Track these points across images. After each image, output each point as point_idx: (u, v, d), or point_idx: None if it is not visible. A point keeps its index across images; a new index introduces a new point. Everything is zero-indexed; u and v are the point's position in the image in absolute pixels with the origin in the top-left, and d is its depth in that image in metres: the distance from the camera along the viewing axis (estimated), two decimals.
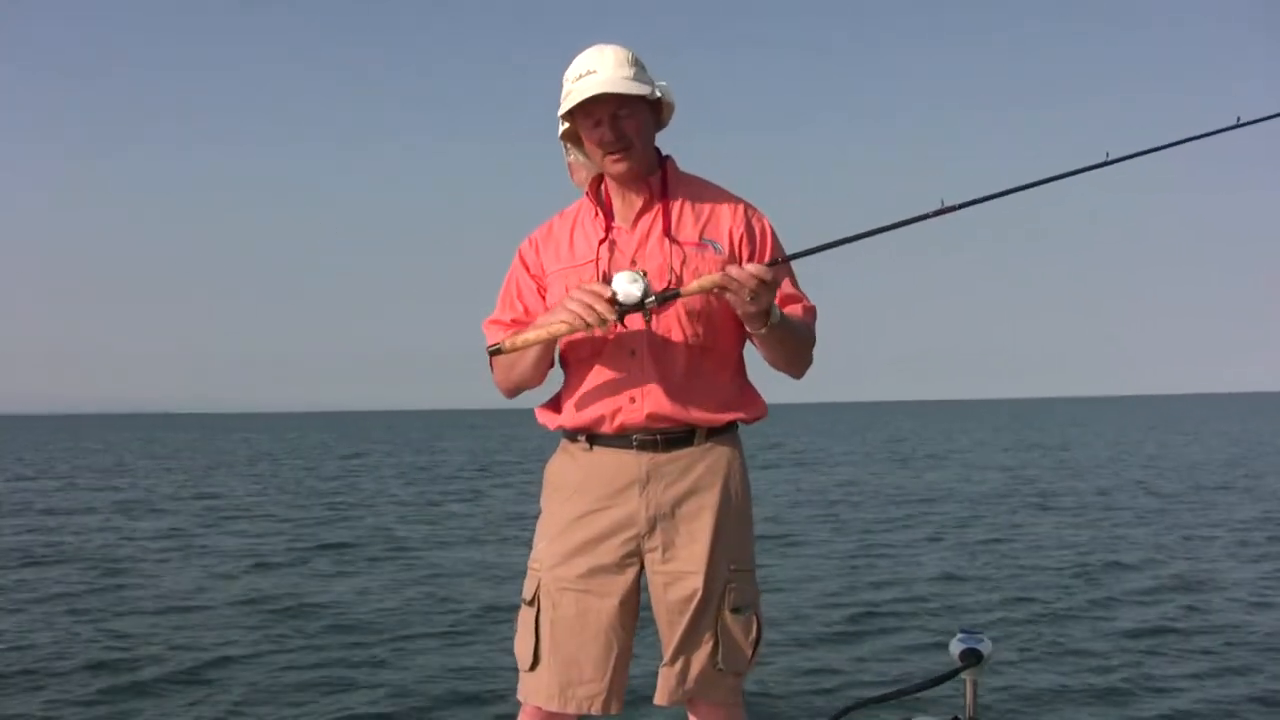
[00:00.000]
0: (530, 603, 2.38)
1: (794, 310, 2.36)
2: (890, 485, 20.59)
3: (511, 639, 2.45)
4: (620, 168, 2.33)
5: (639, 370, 2.32)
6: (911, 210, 2.25)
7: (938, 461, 28.60)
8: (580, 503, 2.36)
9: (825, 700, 5.47)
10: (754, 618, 2.36)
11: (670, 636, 2.33)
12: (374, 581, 9.75)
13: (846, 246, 2.24)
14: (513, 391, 2.46)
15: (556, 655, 2.32)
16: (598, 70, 2.28)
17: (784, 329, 2.27)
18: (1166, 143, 2.46)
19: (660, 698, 2.34)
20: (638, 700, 2.42)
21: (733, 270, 2.15)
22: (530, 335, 2.29)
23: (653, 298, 2.21)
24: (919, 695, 3.12)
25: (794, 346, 2.35)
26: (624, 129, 2.30)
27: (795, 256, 2.31)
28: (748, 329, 2.28)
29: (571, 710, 2.33)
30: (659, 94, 2.33)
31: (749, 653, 2.35)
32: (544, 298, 2.42)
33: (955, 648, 2.86)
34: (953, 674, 2.91)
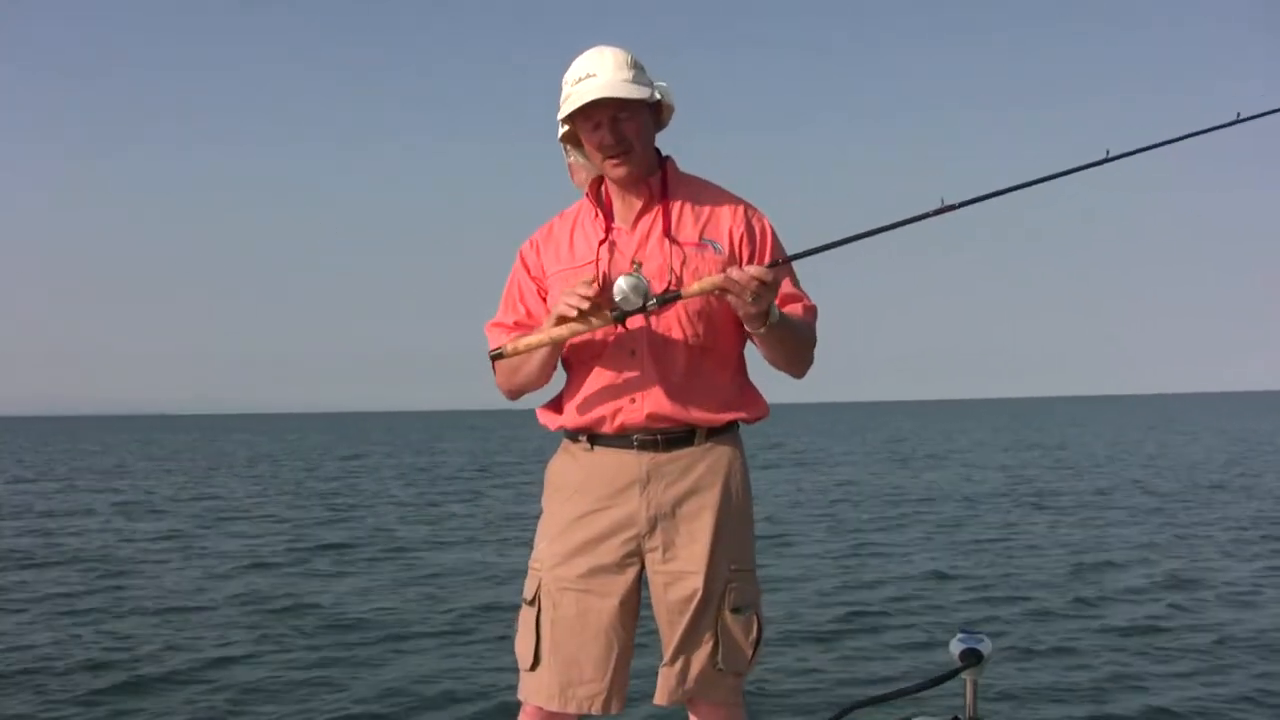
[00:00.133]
0: (531, 602, 2.38)
1: (794, 310, 2.37)
2: (890, 485, 20.59)
3: (512, 639, 2.46)
4: (620, 171, 2.34)
5: (639, 370, 2.32)
6: (912, 210, 2.25)
7: (937, 461, 28.59)
8: (581, 503, 2.37)
9: (825, 700, 5.46)
10: (754, 618, 2.37)
11: (670, 636, 2.34)
12: (374, 582, 9.74)
13: (847, 246, 2.24)
14: (516, 394, 2.46)
15: (557, 655, 2.33)
16: (597, 74, 2.28)
17: (783, 328, 2.28)
18: (1166, 139, 2.46)
19: (660, 697, 2.34)
20: (638, 700, 2.42)
21: (733, 272, 2.16)
22: (532, 340, 2.30)
23: (653, 300, 2.21)
24: (919, 695, 3.12)
25: (794, 346, 2.36)
26: (623, 132, 2.30)
27: (797, 257, 2.32)
28: (747, 329, 2.28)
29: (572, 710, 2.33)
30: (658, 96, 2.33)
31: (749, 653, 2.36)
32: (545, 299, 2.43)
33: (955, 648, 2.86)
34: (953, 674, 2.91)
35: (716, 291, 2.20)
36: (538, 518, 2.48)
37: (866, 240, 2.24)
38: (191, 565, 11.01)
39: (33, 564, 11.12)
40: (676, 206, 2.39)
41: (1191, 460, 25.93)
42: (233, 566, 10.84)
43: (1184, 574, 9.39)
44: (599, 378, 2.35)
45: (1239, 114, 2.48)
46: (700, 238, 2.36)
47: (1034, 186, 2.36)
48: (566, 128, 2.41)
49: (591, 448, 2.38)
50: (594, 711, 2.32)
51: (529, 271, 2.47)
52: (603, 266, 2.34)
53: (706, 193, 2.43)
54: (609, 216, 2.41)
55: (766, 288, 2.16)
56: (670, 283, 2.30)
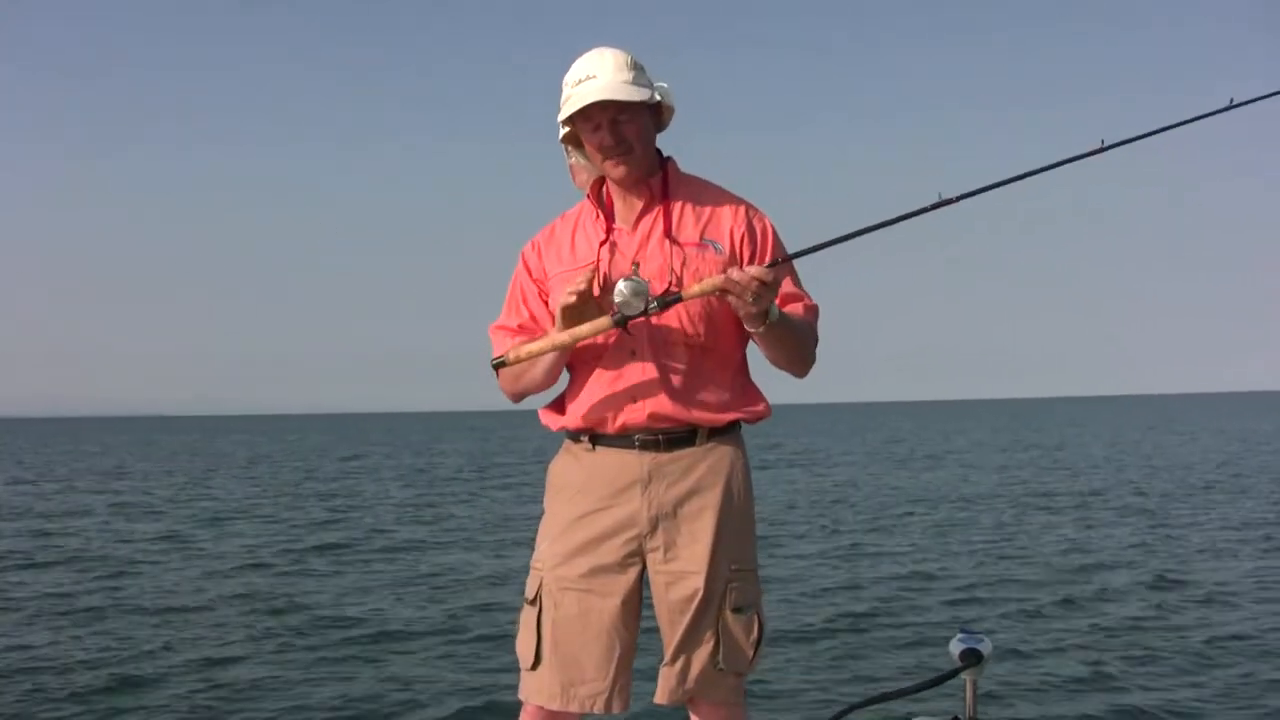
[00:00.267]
0: (532, 602, 2.38)
1: (795, 309, 2.37)
2: (889, 486, 20.60)
3: (513, 639, 2.46)
4: (620, 172, 2.34)
5: (640, 371, 2.33)
6: (911, 209, 2.25)
7: (936, 462, 28.61)
8: (583, 502, 2.37)
9: (825, 700, 5.47)
10: (755, 618, 2.36)
11: (671, 636, 2.33)
12: (372, 583, 9.75)
13: (843, 245, 2.25)
14: (520, 397, 2.47)
15: (558, 655, 2.33)
16: (597, 75, 2.29)
17: (783, 328, 2.28)
18: (1160, 127, 2.46)
19: (661, 697, 2.34)
20: (638, 700, 2.42)
21: (733, 273, 2.16)
22: (534, 347, 2.31)
23: (654, 303, 2.22)
24: (919, 695, 3.12)
25: (795, 345, 2.36)
26: (624, 133, 2.31)
27: (796, 255, 2.32)
28: (747, 328, 2.29)
29: (573, 709, 2.33)
30: (658, 98, 2.34)
31: (750, 653, 2.35)
32: (547, 301, 2.43)
33: (955, 648, 2.86)
34: (953, 674, 2.91)
35: (717, 292, 2.21)
36: (537, 519, 2.48)
37: (864, 238, 2.24)
38: (190, 566, 11.01)
39: (32, 564, 11.12)
40: (677, 207, 2.39)
41: (1189, 461, 25.94)
42: (231, 567, 10.85)
43: (1183, 575, 9.40)
44: (600, 378, 2.36)
45: (1232, 99, 2.48)
46: (701, 238, 2.36)
47: (1032, 181, 2.36)
48: (567, 129, 2.42)
49: (593, 448, 2.38)
50: (595, 711, 2.32)
51: (530, 274, 2.47)
52: (603, 267, 2.34)
53: (707, 193, 2.44)
54: (610, 217, 2.41)
55: (766, 288, 2.16)
56: (671, 283, 2.30)
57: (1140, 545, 11.35)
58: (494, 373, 2.42)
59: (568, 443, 2.46)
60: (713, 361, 2.36)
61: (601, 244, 2.38)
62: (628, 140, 2.31)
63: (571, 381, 2.44)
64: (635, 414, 2.32)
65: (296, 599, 8.88)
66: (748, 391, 2.43)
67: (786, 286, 2.37)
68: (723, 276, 2.18)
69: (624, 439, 2.34)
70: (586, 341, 2.32)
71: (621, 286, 2.21)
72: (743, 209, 2.42)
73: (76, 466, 33.99)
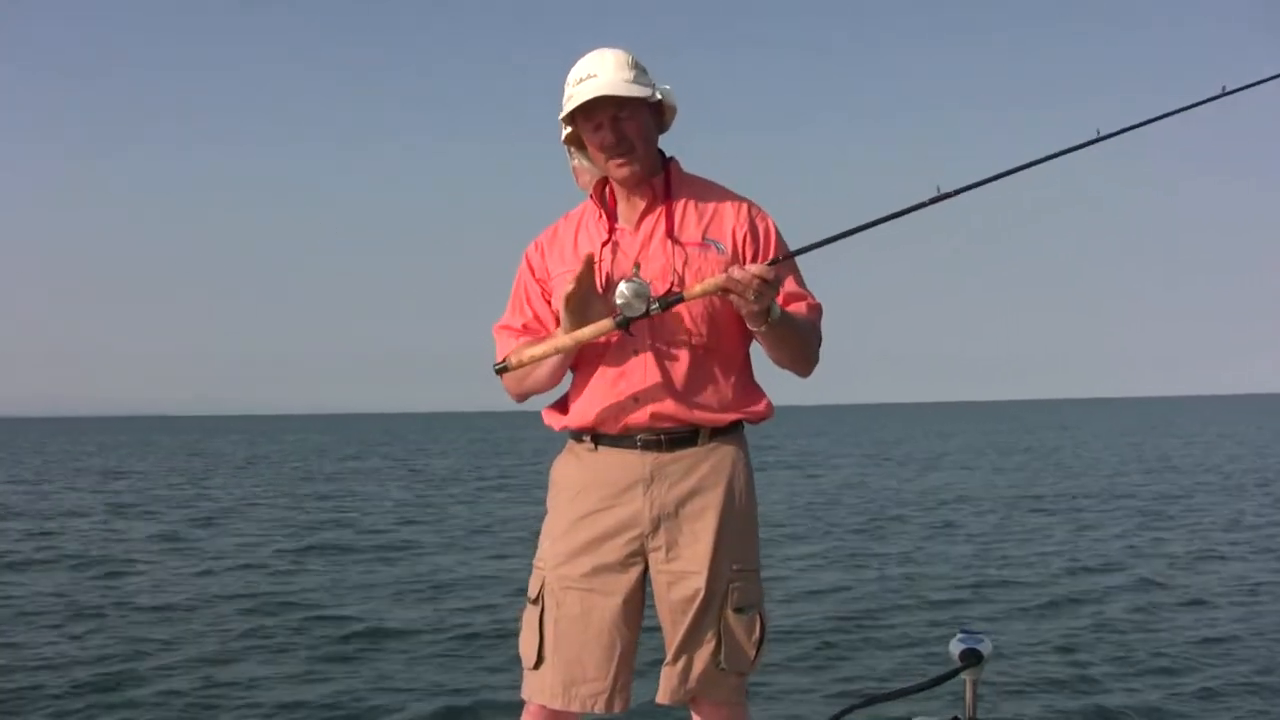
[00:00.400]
0: (535, 601, 2.38)
1: (798, 308, 2.37)
2: (888, 487, 20.61)
3: (512, 639, 2.46)
4: (623, 171, 2.34)
5: (642, 371, 2.33)
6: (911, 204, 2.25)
7: (935, 463, 28.63)
8: (585, 502, 2.37)
9: (825, 700, 5.47)
10: (757, 617, 2.36)
11: (673, 636, 2.33)
12: (372, 583, 9.74)
13: (842, 243, 2.24)
14: (524, 397, 2.47)
15: (560, 654, 2.33)
16: (598, 74, 2.29)
17: (785, 326, 2.28)
18: (1153, 116, 2.45)
19: (662, 696, 2.34)
20: (639, 699, 2.42)
21: (735, 272, 2.16)
22: (536, 350, 2.31)
23: (656, 304, 2.22)
24: (919, 695, 3.12)
25: (798, 344, 2.36)
26: (625, 131, 2.31)
27: (797, 253, 2.32)
28: (749, 326, 2.28)
29: (575, 709, 2.33)
30: (659, 96, 2.34)
31: (752, 653, 2.35)
32: (550, 301, 2.43)
33: (955, 648, 2.86)
34: (953, 674, 2.91)
35: (719, 291, 2.21)
36: (536, 519, 2.49)
37: (863, 238, 2.24)
38: (187, 565, 11.00)
39: (30, 564, 11.11)
40: (679, 207, 2.39)
41: (1190, 463, 25.96)
42: (228, 566, 10.84)
43: (1182, 576, 9.42)
44: (603, 378, 2.36)
45: (1224, 87, 2.47)
46: (703, 238, 2.37)
47: (1029, 180, 2.36)
48: (569, 129, 2.42)
49: (596, 448, 2.38)
50: (597, 710, 2.32)
51: (534, 273, 2.48)
52: (605, 267, 2.34)
53: (710, 193, 2.44)
54: (612, 217, 2.41)
55: (768, 285, 2.16)
56: (673, 283, 2.30)
57: (1140, 547, 11.36)
58: (497, 375, 2.43)
59: (570, 443, 2.46)
60: (715, 361, 2.36)
61: (604, 244, 2.38)
62: (629, 139, 2.32)
63: (574, 381, 2.44)
64: (637, 414, 2.32)
65: (294, 599, 8.88)
66: (750, 391, 2.43)
67: (789, 286, 2.37)
68: (724, 275, 2.17)
69: (626, 439, 2.35)
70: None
71: (623, 288, 2.21)
72: (745, 209, 2.42)
73: (75, 466, 33.98)
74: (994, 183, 2.33)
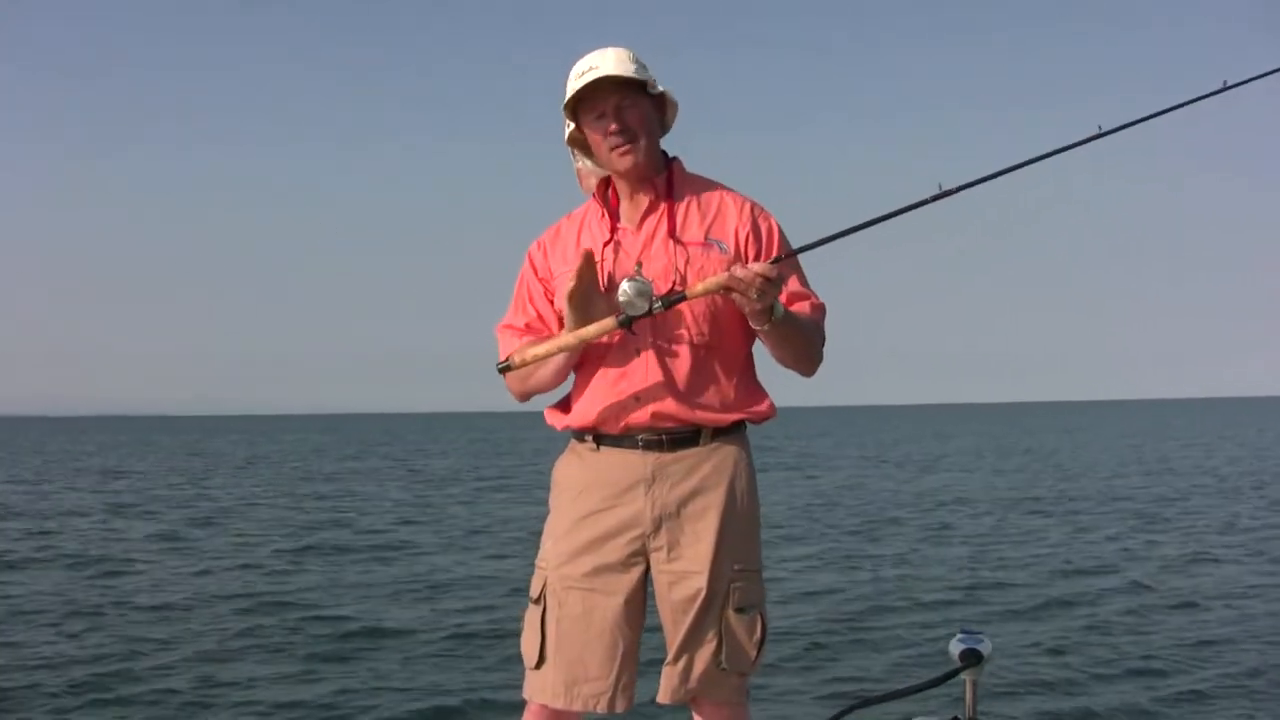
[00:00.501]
0: (537, 601, 2.38)
1: (802, 308, 2.37)
2: (888, 488, 20.63)
3: (512, 639, 2.46)
4: (626, 160, 2.34)
5: (644, 370, 2.32)
6: (914, 211, 2.24)
7: (934, 464, 28.64)
8: (587, 502, 2.37)
9: (825, 700, 5.47)
10: (759, 618, 2.36)
11: (674, 635, 2.33)
12: (371, 583, 9.74)
13: (844, 241, 2.24)
14: (527, 397, 2.47)
15: (562, 653, 2.33)
16: (599, 66, 2.31)
17: (788, 325, 2.28)
18: (1156, 111, 2.45)
19: (663, 696, 2.34)
20: (640, 699, 2.42)
21: (737, 270, 2.16)
22: (539, 350, 2.31)
23: (658, 303, 2.21)
24: (919, 695, 3.12)
25: (801, 343, 2.36)
26: (627, 120, 2.32)
27: (797, 251, 2.31)
28: (752, 325, 2.28)
29: (577, 708, 2.33)
30: (661, 88, 2.34)
31: (753, 653, 2.35)
32: (552, 301, 2.43)
33: (955, 648, 2.85)
34: (953, 674, 2.90)
35: (721, 290, 2.20)
36: (536, 520, 2.49)
37: (865, 236, 2.23)
38: (186, 565, 11.00)
39: (29, 563, 11.11)
40: (682, 206, 2.39)
41: (1189, 465, 25.97)
42: (227, 566, 10.84)
43: (1181, 578, 9.43)
44: (605, 378, 2.35)
45: (1225, 82, 2.45)
46: (706, 237, 2.36)
47: (1029, 180, 2.35)
48: (572, 127, 2.42)
49: (597, 447, 2.38)
50: (599, 710, 2.32)
51: (536, 272, 2.48)
52: (608, 267, 2.34)
53: (713, 192, 2.44)
54: (615, 217, 2.41)
55: (770, 284, 2.16)
56: (675, 282, 2.30)
57: (1136, 549, 11.38)
58: (500, 374, 2.43)
59: (573, 442, 2.46)
60: (717, 361, 2.36)
61: (606, 244, 2.38)
62: (632, 128, 2.32)
63: (576, 381, 2.44)
64: (639, 414, 2.32)
65: (292, 599, 8.88)
66: (752, 392, 2.43)
67: (793, 285, 2.37)
68: (727, 274, 2.17)
69: (628, 439, 2.34)
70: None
71: (625, 287, 2.21)
72: (748, 208, 2.42)
73: (75, 465, 33.96)
74: (997, 180, 2.31)
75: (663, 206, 2.39)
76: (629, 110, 2.32)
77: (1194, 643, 6.86)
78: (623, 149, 2.33)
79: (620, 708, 2.33)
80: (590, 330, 2.25)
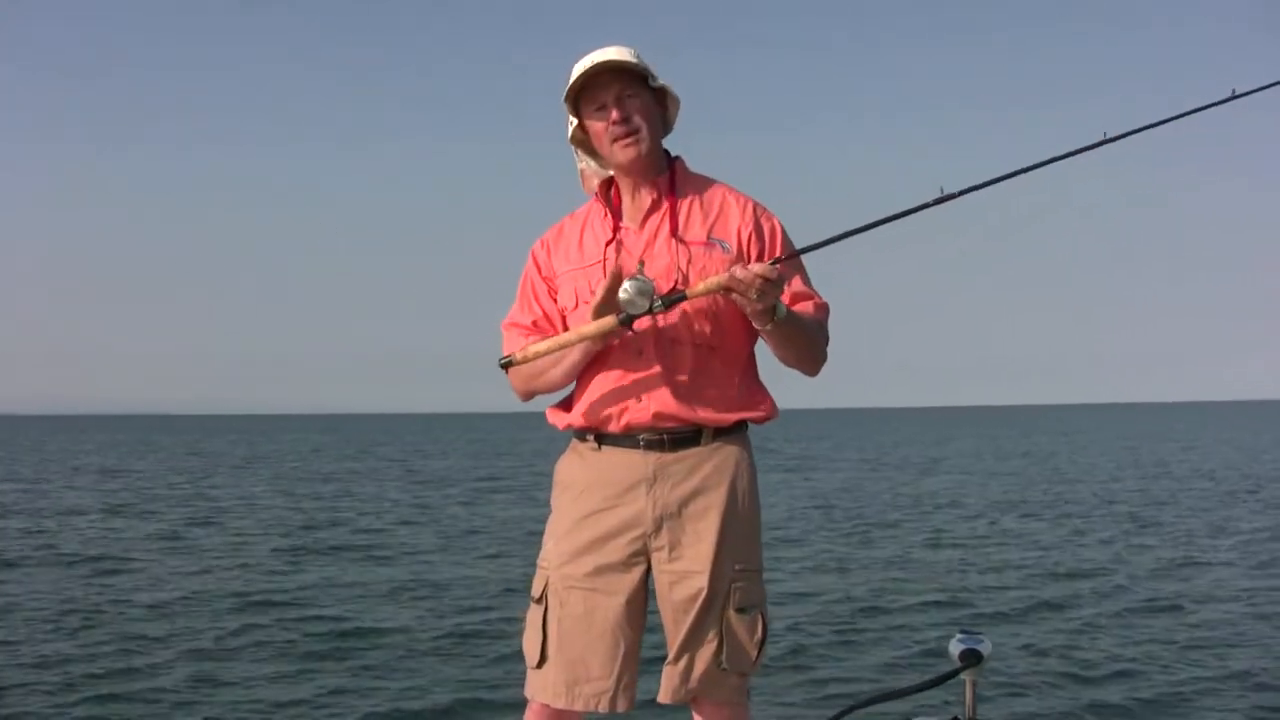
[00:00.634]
0: (538, 601, 2.38)
1: (805, 307, 2.36)
2: (887, 489, 20.63)
3: (511, 638, 2.46)
4: (629, 152, 2.33)
5: (646, 370, 2.32)
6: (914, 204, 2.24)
7: (934, 466, 28.65)
8: (588, 501, 2.37)
9: (825, 700, 5.48)
10: (759, 618, 2.36)
11: (675, 635, 2.33)
12: (371, 583, 9.74)
13: (845, 243, 2.24)
14: (531, 396, 2.47)
15: (563, 653, 2.33)
16: (601, 58, 2.31)
17: (791, 325, 2.27)
18: (1162, 119, 2.43)
19: (663, 696, 2.34)
20: (640, 699, 2.43)
21: (738, 271, 2.15)
22: (541, 346, 2.31)
23: (659, 302, 2.21)
24: (919, 695, 3.12)
25: (804, 343, 2.35)
26: (629, 110, 2.32)
27: (799, 253, 2.31)
28: (755, 325, 2.28)
29: (578, 708, 2.33)
30: (662, 82, 2.35)
31: (754, 653, 2.35)
32: (555, 299, 2.44)
33: (955, 648, 2.85)
34: (953, 674, 2.90)
35: (722, 290, 2.20)
36: (534, 520, 2.49)
37: (866, 239, 2.23)
38: (185, 565, 10.99)
39: (29, 563, 11.11)
40: (684, 206, 2.39)
41: (1189, 469, 25.99)
42: (226, 566, 10.83)
43: (1180, 579, 9.45)
44: (606, 377, 2.35)
45: (1234, 90, 2.44)
46: (708, 237, 2.36)
47: (1027, 181, 2.32)
48: (575, 124, 2.42)
49: (599, 447, 2.38)
50: (600, 710, 2.32)
51: (540, 271, 2.47)
52: (610, 266, 2.33)
53: (715, 192, 2.43)
54: (617, 216, 2.41)
55: (771, 284, 2.15)
56: (677, 281, 2.30)
57: (1132, 551, 11.40)
58: (503, 372, 2.43)
59: (574, 441, 2.46)
60: (719, 361, 2.36)
61: (608, 243, 2.38)
62: (634, 119, 2.32)
63: (579, 380, 2.43)
64: (640, 413, 2.32)
65: (290, 598, 8.88)
66: (754, 392, 2.42)
67: (796, 285, 2.37)
68: (727, 274, 2.17)
69: (629, 438, 2.34)
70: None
71: (627, 285, 2.20)
72: (751, 208, 2.41)
73: (74, 464, 33.94)
74: (998, 184, 2.31)
75: (665, 205, 2.38)
76: (631, 100, 2.32)
77: (1191, 644, 6.88)
78: (625, 140, 2.32)
79: (621, 707, 2.33)
80: (591, 328, 2.25)
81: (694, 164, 2.49)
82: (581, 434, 2.42)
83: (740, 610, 2.32)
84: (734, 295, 2.19)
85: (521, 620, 2.45)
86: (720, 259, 2.33)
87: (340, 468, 31.38)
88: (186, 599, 8.89)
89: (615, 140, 2.33)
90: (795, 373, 2.42)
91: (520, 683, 2.44)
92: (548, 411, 2.49)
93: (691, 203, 2.40)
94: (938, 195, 2.21)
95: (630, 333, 2.29)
